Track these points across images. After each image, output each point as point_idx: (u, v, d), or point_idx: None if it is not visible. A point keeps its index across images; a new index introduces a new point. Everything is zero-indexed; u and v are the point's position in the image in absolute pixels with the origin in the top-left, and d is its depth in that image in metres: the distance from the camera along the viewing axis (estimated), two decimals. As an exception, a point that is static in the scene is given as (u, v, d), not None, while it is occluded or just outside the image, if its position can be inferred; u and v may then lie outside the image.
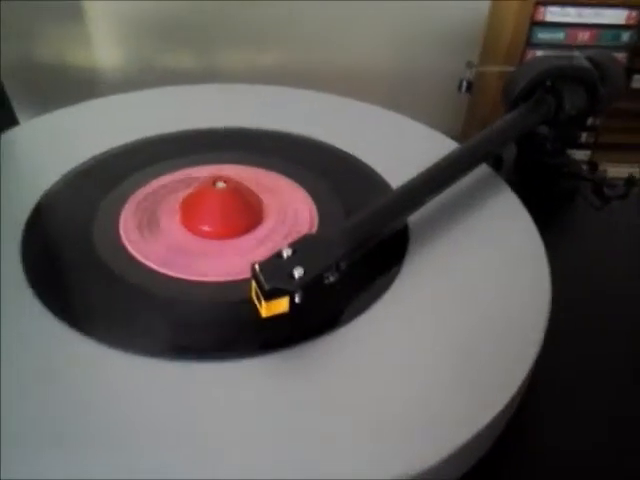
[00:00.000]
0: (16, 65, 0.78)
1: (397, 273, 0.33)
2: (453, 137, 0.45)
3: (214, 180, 0.34)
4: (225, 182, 0.34)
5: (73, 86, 0.80)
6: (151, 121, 0.45)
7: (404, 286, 0.32)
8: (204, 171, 0.39)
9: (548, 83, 0.44)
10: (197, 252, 0.33)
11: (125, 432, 0.24)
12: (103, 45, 0.79)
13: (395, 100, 0.86)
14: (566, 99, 0.43)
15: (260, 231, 0.35)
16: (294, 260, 0.29)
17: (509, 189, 0.40)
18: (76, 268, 0.32)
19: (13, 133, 0.44)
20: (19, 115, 0.80)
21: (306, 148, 0.43)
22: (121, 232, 0.34)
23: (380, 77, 0.84)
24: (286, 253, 0.29)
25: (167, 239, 0.33)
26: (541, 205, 0.46)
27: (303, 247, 0.29)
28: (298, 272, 0.28)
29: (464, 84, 0.49)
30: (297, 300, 0.28)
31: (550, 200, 0.46)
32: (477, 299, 0.32)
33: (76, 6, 0.75)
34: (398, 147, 0.44)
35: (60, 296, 0.30)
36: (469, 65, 0.49)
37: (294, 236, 0.34)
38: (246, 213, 0.35)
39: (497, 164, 0.48)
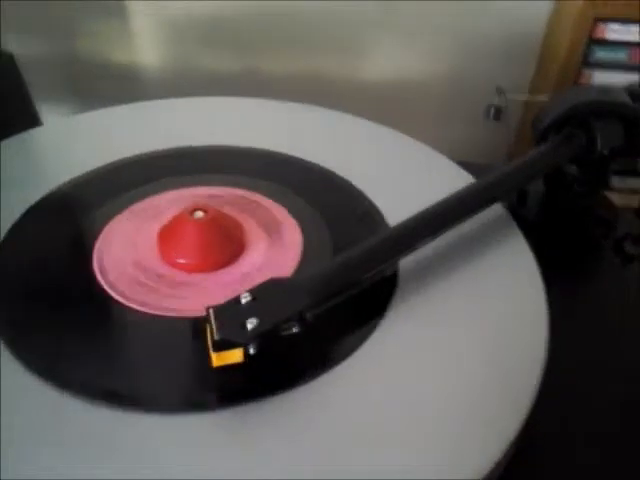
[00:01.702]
0: (62, 60, 0.79)
1: (377, 324, 0.30)
2: (497, 156, 0.41)
3: (192, 209, 0.32)
4: (204, 211, 0.32)
5: (115, 83, 0.81)
6: (133, 138, 0.43)
7: (383, 338, 0.29)
8: (188, 193, 0.37)
9: (581, 117, 0.39)
10: (172, 286, 0.31)
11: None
12: (145, 44, 0.79)
13: (442, 115, 0.83)
14: (599, 136, 0.38)
15: (239, 265, 0.33)
16: (251, 308, 0.26)
17: (520, 235, 0.36)
18: (44, 308, 0.30)
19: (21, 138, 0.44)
20: (60, 109, 0.82)
21: (299, 170, 0.41)
22: (95, 265, 0.32)
23: (428, 90, 0.81)
24: (244, 299, 0.27)
25: (142, 271, 0.32)
26: (564, 250, 0.42)
27: (264, 293, 0.27)
28: (251, 323, 0.26)
29: (492, 110, 0.45)
30: (251, 351, 0.26)
31: (575, 245, 0.42)
32: (462, 364, 0.29)
33: (121, 5, 0.76)
34: (402, 176, 0.41)
35: (25, 339, 0.28)
36: (499, 91, 0.45)
37: (275, 270, 0.32)
38: (225, 245, 0.33)
39: (521, 199, 0.44)
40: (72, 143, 0.44)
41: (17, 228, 0.35)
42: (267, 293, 0.27)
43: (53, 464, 0.24)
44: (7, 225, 0.35)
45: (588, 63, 0.69)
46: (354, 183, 0.40)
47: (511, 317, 0.31)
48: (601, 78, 0.69)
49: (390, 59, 0.79)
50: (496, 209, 0.37)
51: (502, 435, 0.25)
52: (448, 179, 0.40)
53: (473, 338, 0.30)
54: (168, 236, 0.33)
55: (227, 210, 0.35)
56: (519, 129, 0.69)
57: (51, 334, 0.29)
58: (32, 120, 0.54)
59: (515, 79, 0.77)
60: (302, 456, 0.24)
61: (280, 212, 0.36)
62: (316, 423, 0.26)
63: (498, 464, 0.25)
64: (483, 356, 0.29)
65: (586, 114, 0.39)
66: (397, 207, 0.37)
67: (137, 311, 0.30)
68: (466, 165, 0.42)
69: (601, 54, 0.69)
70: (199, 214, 0.32)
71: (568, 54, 0.70)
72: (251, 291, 0.27)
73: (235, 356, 0.26)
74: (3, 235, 0.34)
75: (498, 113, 0.46)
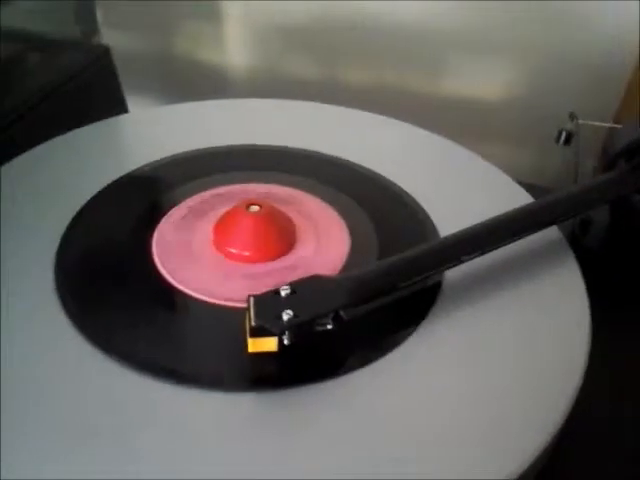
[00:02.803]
0: (154, 58, 0.84)
1: (414, 330, 0.30)
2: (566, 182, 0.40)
3: (248, 203, 0.34)
4: (259, 206, 0.34)
5: (204, 81, 0.85)
6: (206, 133, 0.45)
7: (418, 345, 0.30)
8: (244, 189, 0.39)
9: (653, 147, 0.38)
10: (225, 275, 0.33)
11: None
12: (235, 46, 0.83)
13: (514, 137, 0.81)
14: (670, 169, 0.37)
15: (289, 258, 0.34)
16: (289, 300, 0.28)
17: (574, 262, 0.35)
18: (108, 290, 0.33)
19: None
20: (149, 103, 0.87)
21: (353, 176, 0.42)
22: (154, 252, 0.34)
23: (504, 111, 0.80)
24: (284, 291, 0.28)
25: (200, 262, 0.34)
26: (626, 283, 0.40)
27: (304, 288, 0.28)
28: (287, 314, 0.27)
29: (563, 135, 0.44)
30: (286, 342, 0.27)
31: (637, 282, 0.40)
32: (493, 380, 0.29)
33: (214, 9, 0.79)
34: (460, 189, 0.41)
35: (91, 318, 0.31)
36: (571, 116, 0.44)
37: (321, 266, 0.33)
38: (278, 238, 0.34)
39: (583, 228, 0.43)
40: (152, 132, 0.46)
41: (86, 209, 0.37)
42: (306, 288, 0.28)
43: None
44: (78, 205, 0.38)
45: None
46: (407, 190, 0.40)
47: (550, 345, 0.31)
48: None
49: (469, 77, 0.78)
50: (552, 233, 0.37)
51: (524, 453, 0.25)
52: (507, 197, 0.39)
53: (506, 359, 0.30)
54: (224, 228, 0.35)
55: (280, 205, 0.36)
56: (595, 157, 0.66)
57: (113, 312, 0.31)
58: (121, 109, 0.58)
59: (596, 109, 0.74)
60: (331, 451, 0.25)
61: (330, 211, 0.38)
62: (346, 419, 0.26)
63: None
64: (514, 379, 0.29)
65: (659, 144, 0.38)
66: (451, 220, 0.37)
67: (193, 297, 0.32)
68: (531, 188, 0.41)
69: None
70: (254, 208, 0.34)
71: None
72: (291, 284, 0.28)
73: (270, 344, 0.27)
74: (75, 213, 0.37)
75: (569, 138, 0.45)
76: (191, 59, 0.84)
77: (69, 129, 0.45)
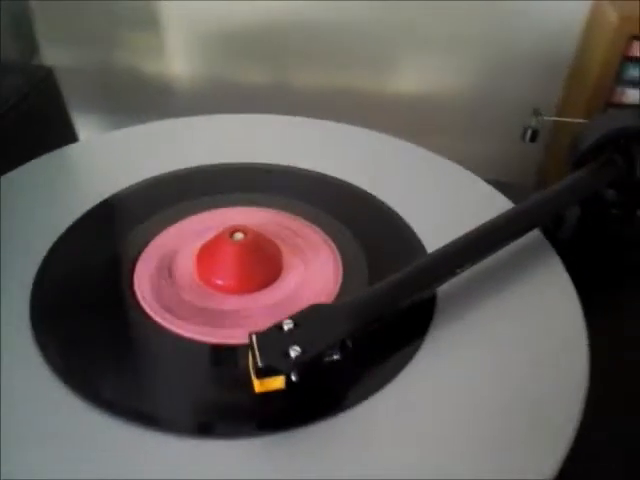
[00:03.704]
0: (94, 70, 0.80)
1: (419, 346, 0.30)
2: (529, 170, 0.41)
3: (232, 231, 0.33)
4: (243, 233, 0.33)
5: (145, 92, 0.82)
6: (166, 156, 0.44)
7: (424, 363, 0.29)
8: (226, 215, 0.37)
9: (620, 142, 0.39)
10: (210, 310, 0.31)
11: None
12: (175, 54, 0.80)
13: (470, 131, 0.82)
14: (638, 163, 0.38)
15: (277, 289, 0.33)
16: (294, 335, 0.27)
17: (557, 258, 0.36)
18: (88, 326, 0.31)
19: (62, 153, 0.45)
20: (89, 120, 0.83)
21: (331, 189, 0.41)
22: (135, 284, 0.33)
23: (456, 105, 0.81)
24: (287, 326, 0.27)
25: (181, 291, 0.32)
26: (597, 271, 0.41)
27: (306, 320, 0.27)
28: (294, 351, 0.26)
29: (529, 132, 0.45)
30: (293, 379, 0.26)
31: (608, 267, 0.41)
32: (501, 382, 0.29)
33: (154, 19, 0.76)
34: (438, 198, 0.41)
35: (70, 360, 0.29)
36: (536, 113, 0.44)
37: (313, 292, 0.32)
38: (263, 268, 0.33)
39: (557, 223, 0.44)
40: (108, 160, 0.44)
41: (59, 245, 0.35)
42: (309, 320, 0.27)
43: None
44: (50, 242, 0.35)
45: (621, 81, 0.69)
46: (387, 202, 0.40)
47: (551, 338, 0.31)
48: (634, 96, 0.68)
49: (418, 74, 0.79)
50: (533, 233, 0.37)
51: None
52: (482, 200, 0.40)
53: (512, 359, 0.30)
54: (207, 257, 0.33)
55: (263, 230, 0.35)
56: (548, 147, 0.68)
57: (87, 350, 0.30)
58: (69, 134, 0.55)
59: (544, 96, 0.76)
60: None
61: (314, 231, 0.37)
62: (357, 452, 0.26)
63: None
64: (525, 375, 0.29)
65: (625, 139, 0.39)
66: (430, 227, 0.37)
67: (174, 333, 0.30)
68: (493, 183, 0.42)
69: (634, 72, 0.68)
70: (239, 236, 0.32)
71: (601, 72, 0.69)
72: (293, 318, 0.27)
73: (277, 383, 0.26)
74: (46, 252, 0.34)
75: (535, 135, 0.45)
76: (133, 71, 0.80)
77: (17, 158, 0.42)
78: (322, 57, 0.79)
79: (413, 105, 0.80)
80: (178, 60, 0.81)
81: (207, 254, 0.33)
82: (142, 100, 0.82)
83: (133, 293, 0.32)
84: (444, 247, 0.32)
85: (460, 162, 0.44)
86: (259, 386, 0.26)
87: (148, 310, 0.31)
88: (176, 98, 0.83)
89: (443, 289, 0.33)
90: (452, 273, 0.32)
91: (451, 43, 0.76)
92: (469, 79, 0.78)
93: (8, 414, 0.26)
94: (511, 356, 0.30)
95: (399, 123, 0.79)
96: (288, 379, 0.26)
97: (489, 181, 0.42)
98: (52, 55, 0.55)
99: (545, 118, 0.44)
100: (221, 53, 0.80)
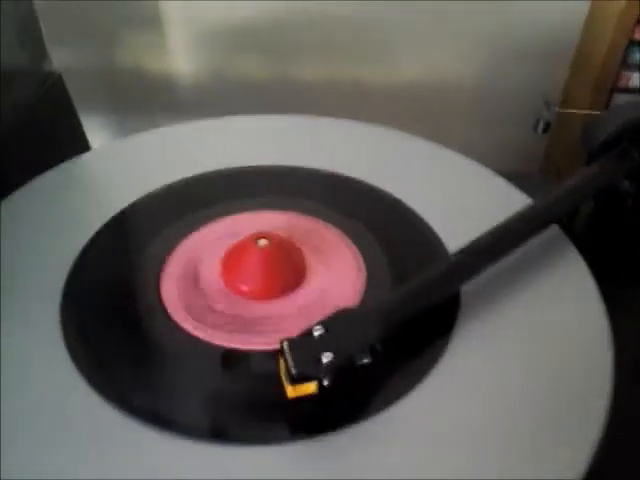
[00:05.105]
0: (98, 70, 0.80)
1: (445, 346, 0.30)
2: (534, 157, 0.41)
3: (256, 237, 0.33)
4: (267, 239, 0.33)
5: (150, 89, 0.82)
6: (180, 161, 0.44)
7: (451, 363, 0.30)
8: (250, 220, 0.38)
9: (635, 134, 0.39)
10: (238, 316, 0.32)
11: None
12: (178, 51, 0.80)
13: (473, 118, 0.82)
14: (654, 154, 0.38)
15: (302, 294, 0.33)
16: (325, 340, 0.27)
17: (577, 254, 0.36)
18: (114, 335, 0.32)
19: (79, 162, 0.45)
20: (95, 119, 0.83)
21: (351, 191, 0.41)
22: (162, 292, 0.33)
23: (458, 93, 0.80)
24: (317, 331, 0.27)
25: (209, 300, 0.33)
26: (612, 263, 0.42)
27: (336, 325, 0.28)
28: (326, 357, 0.26)
29: (541, 124, 0.45)
30: (325, 383, 0.27)
31: (624, 259, 0.42)
32: (529, 378, 0.29)
33: (154, 13, 0.76)
34: (455, 195, 0.41)
35: (95, 362, 0.30)
36: (547, 104, 0.45)
37: (337, 295, 0.33)
38: (288, 273, 0.33)
39: (571, 215, 0.44)
40: (122, 168, 0.44)
41: (84, 255, 0.35)
42: (338, 325, 0.28)
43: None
44: (75, 253, 0.36)
45: (627, 65, 0.69)
46: (404, 201, 0.40)
47: (574, 336, 0.31)
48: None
49: (421, 63, 0.79)
50: (551, 229, 0.37)
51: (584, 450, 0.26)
52: (500, 197, 0.40)
53: (539, 353, 0.30)
54: (232, 264, 0.33)
55: (285, 234, 0.35)
56: (554, 136, 0.67)
57: (118, 359, 0.30)
58: (80, 138, 0.55)
59: (550, 82, 0.76)
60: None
61: (335, 233, 0.37)
62: (389, 455, 0.26)
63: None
64: (551, 369, 0.30)
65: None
66: (449, 225, 0.38)
67: (203, 341, 0.30)
68: (501, 174, 0.42)
69: (640, 56, 0.68)
70: (263, 242, 0.33)
71: (607, 56, 0.69)
72: (323, 323, 0.28)
73: (310, 388, 0.27)
74: (72, 262, 0.35)
75: (547, 127, 0.46)
76: (136, 70, 0.80)
77: (30, 165, 0.42)
78: (325, 50, 0.79)
79: (417, 93, 0.79)
80: (181, 57, 0.80)
81: (232, 261, 0.34)
82: (147, 98, 0.82)
83: (161, 301, 0.32)
84: (467, 247, 0.33)
85: (465, 151, 0.44)
86: (292, 392, 0.27)
87: (175, 317, 0.32)
88: (181, 95, 0.83)
89: (465, 286, 0.33)
90: (476, 273, 0.32)
91: (454, 30, 0.75)
92: (472, 67, 0.78)
93: (36, 412, 0.27)
94: (538, 351, 0.30)
95: (403, 112, 0.80)
96: (320, 384, 0.27)
97: (497, 171, 0.42)
98: (55, 57, 0.55)
99: (557, 110, 0.44)
100: (224, 48, 0.80)
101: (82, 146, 0.55)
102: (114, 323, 0.32)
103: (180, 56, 0.80)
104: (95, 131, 0.80)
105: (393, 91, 0.79)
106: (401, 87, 0.79)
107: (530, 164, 0.78)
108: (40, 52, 0.52)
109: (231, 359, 0.30)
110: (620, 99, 0.69)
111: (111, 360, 0.30)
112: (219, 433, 0.27)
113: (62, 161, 0.44)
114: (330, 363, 0.26)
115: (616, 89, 0.71)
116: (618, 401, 0.27)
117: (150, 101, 0.82)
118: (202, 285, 0.33)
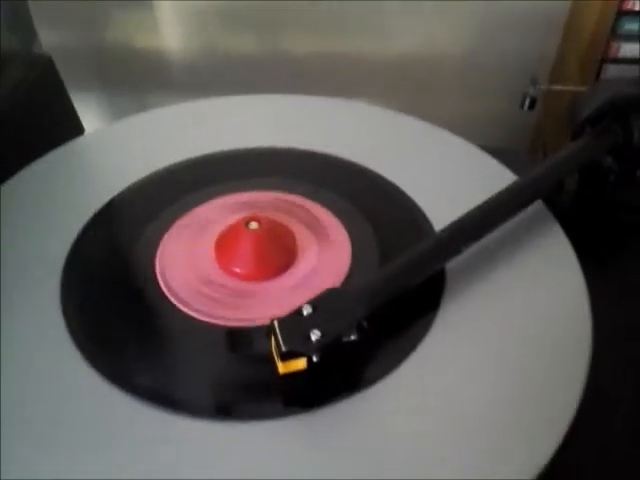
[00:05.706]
0: (85, 49, 0.80)
1: (431, 322, 0.31)
2: (524, 133, 0.41)
3: (247, 220, 0.34)
4: (258, 222, 0.34)
5: (141, 68, 0.82)
6: (169, 145, 0.44)
7: (438, 337, 0.31)
8: (234, 200, 0.39)
9: (618, 111, 0.40)
10: (231, 295, 0.33)
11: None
12: (169, 29, 0.80)
13: (463, 89, 0.82)
14: (636, 131, 0.39)
15: (293, 274, 0.34)
16: (313, 319, 0.28)
17: (560, 229, 0.37)
18: (113, 315, 0.33)
19: (75, 145, 0.45)
20: (86, 99, 0.83)
21: (338, 170, 0.42)
22: (159, 272, 0.34)
23: (447, 67, 0.80)
24: (306, 310, 0.29)
25: (203, 281, 0.34)
26: (596, 237, 0.43)
27: (324, 304, 0.29)
28: (315, 335, 0.28)
29: (527, 101, 0.45)
30: (315, 360, 0.28)
31: (609, 235, 0.43)
32: (513, 351, 0.31)
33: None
34: (443, 173, 0.42)
35: (95, 342, 0.31)
36: (533, 81, 0.45)
37: (328, 274, 0.34)
38: (280, 254, 0.34)
39: (555, 190, 0.45)
40: (116, 152, 0.45)
41: (80, 240, 0.36)
42: (326, 304, 0.29)
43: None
44: (73, 236, 0.37)
45: (616, 35, 0.69)
46: (392, 179, 0.41)
47: (555, 311, 0.33)
48: (631, 51, 0.68)
49: (409, 36, 0.78)
50: (535, 205, 0.38)
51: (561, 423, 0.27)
52: (491, 175, 0.41)
53: (520, 330, 0.32)
54: (225, 247, 0.34)
55: (275, 216, 0.36)
56: (542, 112, 0.68)
57: (117, 339, 0.32)
58: (73, 120, 0.56)
59: (540, 57, 0.76)
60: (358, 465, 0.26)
61: (324, 214, 0.38)
62: (378, 428, 0.28)
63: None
64: (533, 348, 0.31)
65: (624, 108, 0.39)
66: (436, 203, 0.38)
67: (199, 320, 0.32)
68: (488, 149, 0.43)
69: (630, 26, 0.68)
70: (254, 225, 0.34)
71: (596, 26, 0.69)
72: (311, 302, 0.29)
73: (300, 364, 0.28)
74: (68, 248, 0.36)
75: (533, 103, 0.46)
76: (127, 48, 0.80)
77: (25, 149, 0.43)
78: (317, 24, 0.79)
79: (405, 66, 0.79)
80: (173, 34, 0.80)
81: (225, 243, 0.35)
82: (139, 76, 0.82)
83: (157, 282, 0.34)
84: (451, 225, 0.34)
85: (453, 125, 0.45)
86: (283, 368, 0.28)
87: (171, 297, 0.33)
88: (173, 72, 0.82)
89: (450, 263, 0.34)
90: (460, 250, 0.33)
91: (443, 4, 0.75)
92: (461, 40, 0.78)
93: (36, 394, 0.29)
94: (520, 325, 0.32)
95: (390, 85, 0.80)
96: (309, 360, 0.28)
97: (484, 146, 0.43)
98: (43, 37, 0.55)
99: (543, 87, 0.45)
100: (215, 24, 0.79)
101: (75, 127, 0.56)
102: (112, 304, 0.33)
103: (171, 33, 0.80)
104: (87, 111, 0.80)
105: (380, 64, 0.79)
106: (389, 60, 0.79)
107: (517, 140, 0.78)
108: (30, 35, 0.52)
109: (227, 338, 0.32)
110: (610, 70, 0.70)
111: (110, 339, 0.32)
112: (219, 410, 0.29)
113: (56, 143, 0.44)
114: (318, 340, 0.28)
115: (606, 60, 0.71)
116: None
117: (142, 80, 0.82)
118: (198, 266, 0.35)
